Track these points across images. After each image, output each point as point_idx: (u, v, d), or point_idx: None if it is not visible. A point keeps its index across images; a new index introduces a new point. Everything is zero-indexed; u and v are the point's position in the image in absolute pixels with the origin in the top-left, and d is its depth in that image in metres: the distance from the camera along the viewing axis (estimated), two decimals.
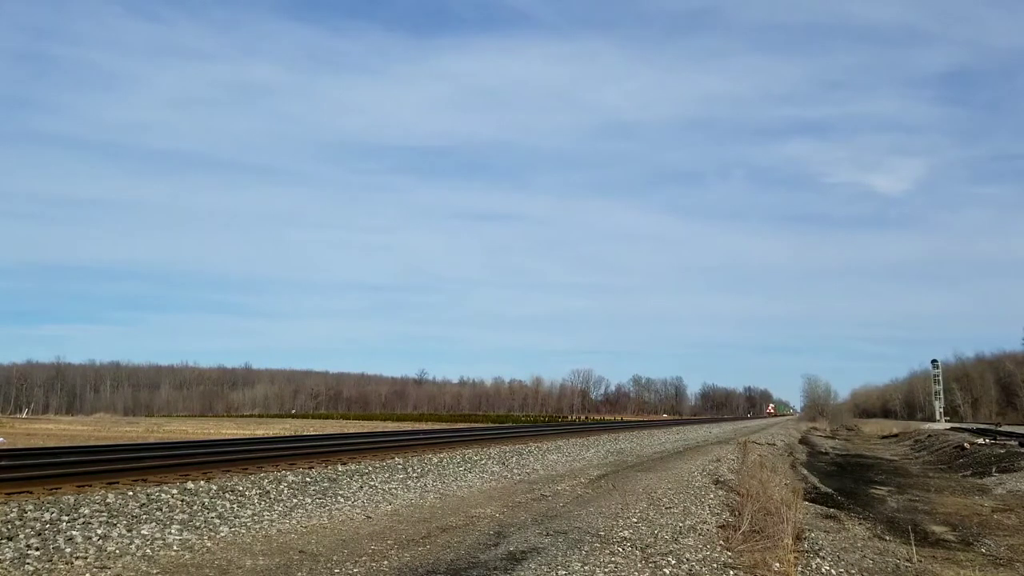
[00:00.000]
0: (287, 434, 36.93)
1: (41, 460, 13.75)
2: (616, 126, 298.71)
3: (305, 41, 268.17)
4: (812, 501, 19.20)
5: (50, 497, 9.46)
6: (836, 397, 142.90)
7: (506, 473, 16.75)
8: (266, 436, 34.93)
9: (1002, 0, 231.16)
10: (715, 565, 8.88)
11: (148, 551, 7.77)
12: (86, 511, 8.72)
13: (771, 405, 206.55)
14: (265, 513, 10.00)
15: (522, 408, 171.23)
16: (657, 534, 10.22)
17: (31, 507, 8.60)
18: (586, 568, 8.00)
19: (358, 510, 10.99)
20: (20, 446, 25.87)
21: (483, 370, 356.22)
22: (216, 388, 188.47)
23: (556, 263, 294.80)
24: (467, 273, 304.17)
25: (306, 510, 10.56)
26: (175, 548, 8.01)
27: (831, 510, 18.13)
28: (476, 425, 77.36)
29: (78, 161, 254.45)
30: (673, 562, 8.68)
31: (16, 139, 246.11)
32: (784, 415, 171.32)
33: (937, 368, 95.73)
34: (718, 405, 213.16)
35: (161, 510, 9.28)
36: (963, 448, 38.06)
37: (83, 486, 10.66)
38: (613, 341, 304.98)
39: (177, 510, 9.40)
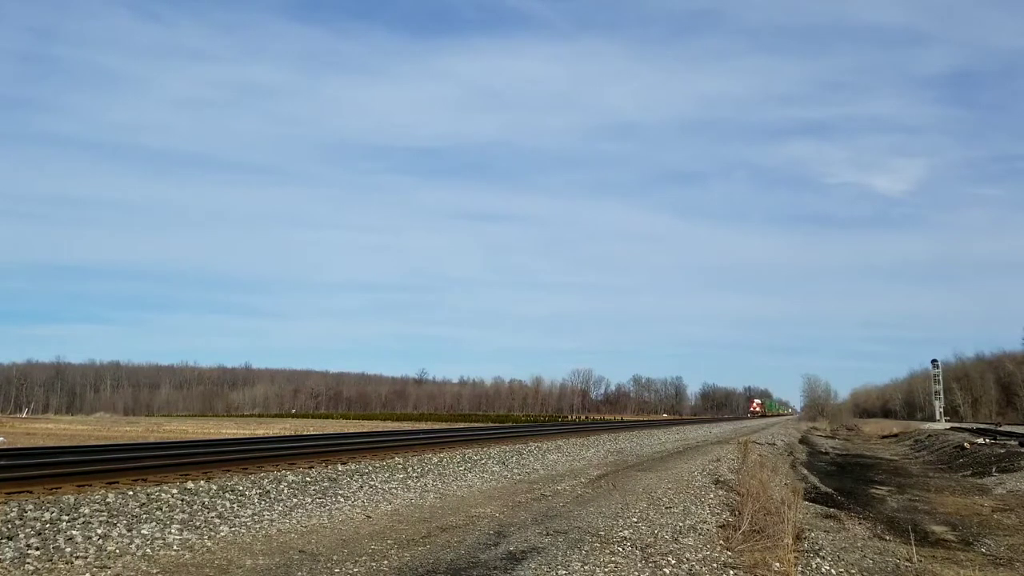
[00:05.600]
0: (287, 434, 36.91)
1: (41, 460, 13.73)
2: (617, 126, 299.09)
3: (307, 42, 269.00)
4: (812, 501, 19.19)
5: (50, 497, 9.46)
6: (836, 397, 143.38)
7: (506, 473, 16.75)
8: (266, 436, 34.91)
9: (1003, 2, 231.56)
10: (715, 565, 8.89)
11: (148, 551, 7.77)
12: (86, 511, 8.71)
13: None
14: (265, 513, 10.00)
15: (522, 408, 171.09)
16: (657, 534, 10.22)
17: (31, 507, 8.60)
18: (586, 568, 8.00)
19: (358, 510, 10.99)
20: (20, 446, 25.88)
21: (483, 370, 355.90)
22: (216, 388, 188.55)
23: (556, 263, 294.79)
24: (468, 273, 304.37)
25: (306, 510, 10.56)
26: (175, 548, 8.01)
27: (831, 510, 18.12)
28: (476, 425, 77.37)
29: (79, 161, 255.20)
30: (673, 562, 8.68)
31: (18, 139, 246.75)
32: (781, 414, 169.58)
33: (937, 368, 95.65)
34: (718, 405, 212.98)
35: (161, 510, 9.28)
36: (963, 448, 38.05)
37: (83, 486, 10.65)
38: (613, 341, 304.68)
39: (177, 510, 9.40)
